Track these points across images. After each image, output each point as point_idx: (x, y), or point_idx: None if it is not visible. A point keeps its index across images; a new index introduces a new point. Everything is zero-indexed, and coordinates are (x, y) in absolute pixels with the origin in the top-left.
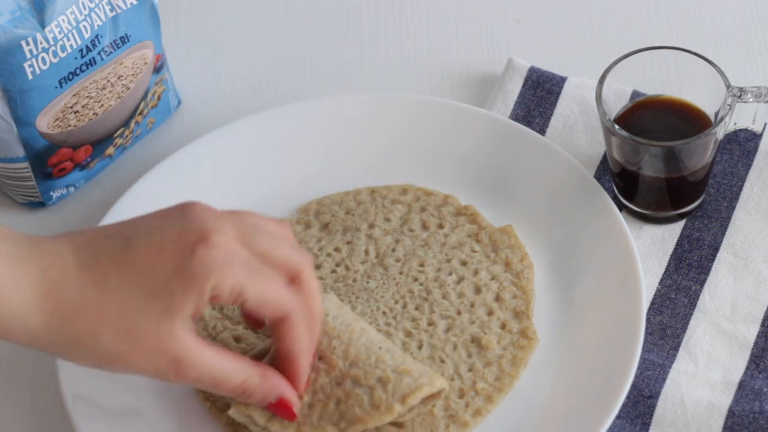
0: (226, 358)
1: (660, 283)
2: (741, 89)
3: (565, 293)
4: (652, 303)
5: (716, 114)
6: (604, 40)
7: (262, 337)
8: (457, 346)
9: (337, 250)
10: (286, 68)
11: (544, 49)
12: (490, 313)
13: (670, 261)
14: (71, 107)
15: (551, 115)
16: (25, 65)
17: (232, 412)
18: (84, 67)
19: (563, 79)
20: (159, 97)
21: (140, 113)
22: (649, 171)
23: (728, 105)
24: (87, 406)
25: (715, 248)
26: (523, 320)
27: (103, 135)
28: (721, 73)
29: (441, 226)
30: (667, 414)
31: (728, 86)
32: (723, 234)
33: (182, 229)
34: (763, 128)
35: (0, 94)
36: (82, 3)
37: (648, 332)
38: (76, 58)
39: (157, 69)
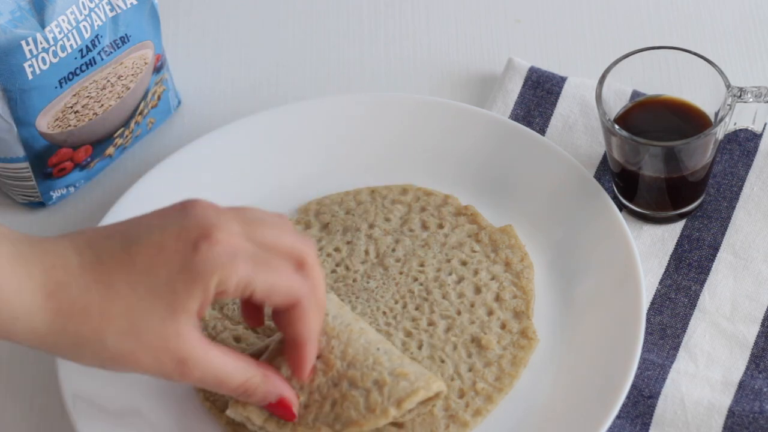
0: (229, 357)
1: (660, 283)
2: (741, 89)
3: (565, 293)
4: (652, 303)
5: (716, 114)
6: (604, 40)
7: (262, 337)
8: (457, 346)
9: (337, 250)
10: (286, 68)
11: (544, 49)
12: (490, 313)
13: (670, 261)
14: (71, 107)
15: (551, 115)
16: (25, 65)
17: (229, 412)
18: (84, 67)
19: (563, 79)
20: (159, 97)
21: (140, 113)
22: (649, 171)
23: (728, 105)
24: (87, 406)
25: (715, 248)
26: (523, 320)
27: (103, 135)
28: (721, 73)
29: (441, 226)
30: (667, 414)
31: (728, 86)
32: (723, 234)
33: (183, 227)
34: (763, 128)
35: (0, 94)
36: (82, 3)
37: (648, 332)
38: (76, 58)
39: (157, 69)
